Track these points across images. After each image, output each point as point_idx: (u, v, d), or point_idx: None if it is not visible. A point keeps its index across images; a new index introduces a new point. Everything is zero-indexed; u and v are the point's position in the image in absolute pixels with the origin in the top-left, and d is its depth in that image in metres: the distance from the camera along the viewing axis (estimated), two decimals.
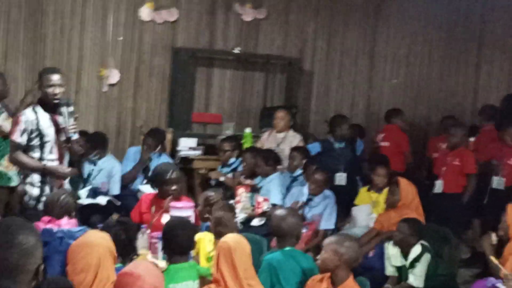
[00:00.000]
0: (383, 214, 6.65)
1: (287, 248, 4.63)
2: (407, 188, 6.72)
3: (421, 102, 10.17)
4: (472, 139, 8.48)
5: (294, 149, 7.66)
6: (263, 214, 6.81)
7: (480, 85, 10.37)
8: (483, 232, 6.66)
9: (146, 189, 6.76)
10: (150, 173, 7.01)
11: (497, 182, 7.96)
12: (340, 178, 7.94)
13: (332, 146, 8.19)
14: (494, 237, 5.53)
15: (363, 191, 7.22)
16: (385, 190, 6.84)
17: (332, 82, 9.73)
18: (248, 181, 7.33)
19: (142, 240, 4.87)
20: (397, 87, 10.05)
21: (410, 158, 8.84)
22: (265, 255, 4.61)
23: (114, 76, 8.80)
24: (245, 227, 6.54)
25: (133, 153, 7.78)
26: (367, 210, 6.90)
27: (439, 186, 7.84)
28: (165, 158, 7.57)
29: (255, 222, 6.79)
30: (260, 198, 6.92)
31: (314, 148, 8.23)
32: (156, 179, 5.83)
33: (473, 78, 10.35)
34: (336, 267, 4.19)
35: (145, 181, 7.33)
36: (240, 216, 6.69)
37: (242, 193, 7.09)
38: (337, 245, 4.22)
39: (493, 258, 5.35)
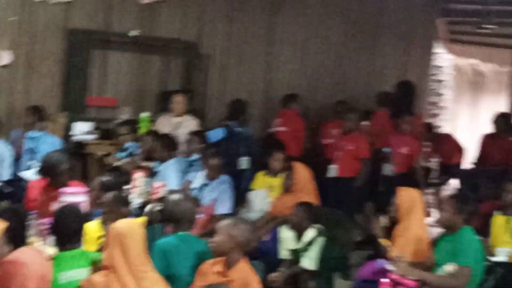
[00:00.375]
0: (278, 198, 6.73)
1: (181, 233, 4.60)
2: (302, 173, 6.82)
3: (318, 87, 10.29)
4: (365, 123, 8.67)
5: (192, 133, 7.61)
6: (159, 199, 6.73)
7: (375, 70, 10.59)
8: (375, 215, 6.83)
9: (30, 176, 6.58)
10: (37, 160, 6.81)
11: (388, 169, 8.19)
12: (243, 163, 7.98)
13: (235, 131, 8.22)
14: (384, 220, 5.67)
15: (259, 176, 7.25)
16: (281, 175, 6.91)
17: (230, 66, 9.70)
18: (145, 164, 7.24)
19: (32, 227, 4.73)
20: (296, 72, 10.12)
21: (306, 143, 8.95)
22: (158, 240, 4.56)
23: (4, 57, 8.48)
24: (142, 212, 6.45)
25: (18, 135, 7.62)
26: (263, 195, 6.95)
27: (333, 170, 8.00)
28: (53, 140, 7.41)
29: (152, 207, 6.70)
30: (157, 183, 6.84)
31: (217, 133, 8.22)
32: (48, 170, 5.67)
33: (368, 64, 10.56)
34: (230, 250, 4.21)
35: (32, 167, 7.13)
36: (137, 201, 6.60)
37: (139, 178, 6.98)
38: (231, 228, 4.25)
39: (383, 240, 5.51)
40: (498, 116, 8.93)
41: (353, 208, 7.55)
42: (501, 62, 12.04)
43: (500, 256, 5.64)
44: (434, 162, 8.47)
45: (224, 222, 4.36)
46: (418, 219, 5.55)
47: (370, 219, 5.91)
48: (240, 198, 7.08)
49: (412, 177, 7.92)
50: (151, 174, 7.11)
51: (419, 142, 8.45)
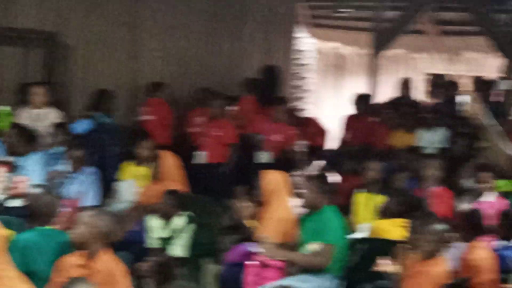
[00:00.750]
0: (146, 187, 6.68)
1: (42, 228, 4.48)
2: (170, 161, 6.82)
3: (184, 74, 10.26)
4: (232, 109, 8.74)
5: (55, 125, 7.41)
6: (22, 194, 6.52)
7: (239, 56, 10.68)
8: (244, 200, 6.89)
9: None
10: None
11: (262, 156, 8.30)
12: (111, 153, 7.85)
13: (100, 122, 8.08)
14: (248, 203, 5.77)
15: (126, 166, 7.16)
16: (149, 164, 6.86)
17: (93, 55, 9.45)
18: (7, 159, 6.98)
19: None
20: (161, 60, 10.05)
21: (174, 131, 8.93)
22: (17, 236, 4.42)
23: None
24: (4, 208, 6.24)
25: None
26: (131, 185, 6.88)
27: (201, 157, 8.03)
28: None
29: (14, 202, 6.49)
30: (19, 178, 6.62)
31: (82, 124, 8.05)
32: None
33: (232, 49, 10.63)
34: (90, 240, 4.16)
35: None
36: None
37: (0, 173, 6.74)
38: (90, 219, 4.20)
39: (249, 222, 5.60)
40: (358, 97, 9.26)
41: (223, 194, 7.60)
42: (361, 45, 12.46)
43: (361, 232, 5.86)
44: (300, 145, 8.66)
45: (84, 213, 4.30)
46: (283, 200, 5.69)
47: (238, 203, 5.95)
48: (107, 189, 6.98)
49: (285, 163, 8.03)
50: (13, 169, 6.87)
51: (292, 128, 8.61)
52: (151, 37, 9.93)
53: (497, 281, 4.81)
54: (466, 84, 12.01)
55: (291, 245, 5.31)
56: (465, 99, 3.46)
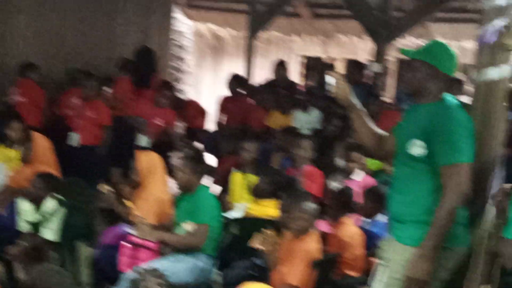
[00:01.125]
0: (17, 170, 6.49)
1: None
2: (41, 143, 6.65)
3: (58, 54, 10.00)
4: (106, 90, 8.62)
5: None
6: None
7: (116, 36, 10.52)
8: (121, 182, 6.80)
9: None
10: None
11: (142, 139, 8.22)
12: None
13: None
14: (124, 184, 5.73)
15: None
16: (19, 146, 6.66)
17: None
18: None
19: None
20: (32, 40, 9.73)
21: (47, 112, 8.70)
22: None
23: None
24: None
25: None
26: (1, 167, 6.65)
27: (75, 138, 7.88)
28: None
29: None
30: None
31: None
32: None
33: (109, 30, 10.45)
34: None
35: None
36: None
37: None
38: None
39: (125, 203, 5.56)
40: (232, 78, 9.33)
41: (98, 176, 7.48)
42: (237, 27, 12.55)
43: (237, 212, 5.94)
44: (179, 127, 8.66)
45: None
46: (159, 181, 5.69)
47: (113, 184, 5.89)
48: None
49: (164, 145, 8.00)
50: None
51: (172, 112, 8.57)
52: (21, 16, 9.59)
53: (365, 256, 5.01)
54: (340, 66, 12.34)
55: (167, 226, 5.31)
56: (331, 80, 3.53)
